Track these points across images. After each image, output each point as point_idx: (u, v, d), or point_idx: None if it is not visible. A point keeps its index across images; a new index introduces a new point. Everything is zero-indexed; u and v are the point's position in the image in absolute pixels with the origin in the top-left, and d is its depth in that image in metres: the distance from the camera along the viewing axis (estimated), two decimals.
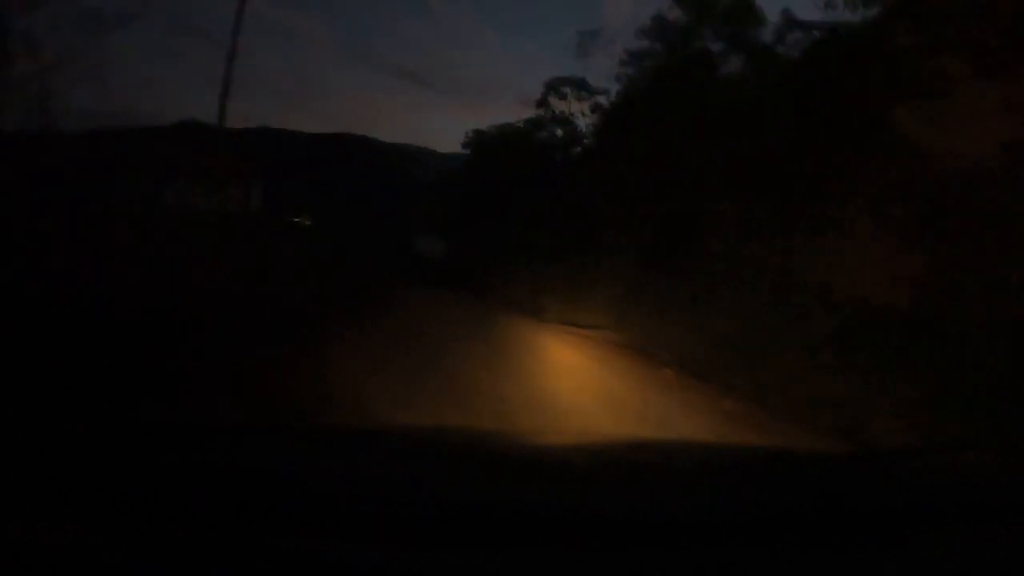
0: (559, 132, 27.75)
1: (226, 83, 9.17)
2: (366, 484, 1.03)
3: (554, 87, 27.80)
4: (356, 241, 32.92)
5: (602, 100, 25.43)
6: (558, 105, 27.48)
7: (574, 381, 7.21)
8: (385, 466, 1.19)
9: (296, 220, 38.56)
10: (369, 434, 1.79)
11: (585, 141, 26.22)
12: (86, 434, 1.17)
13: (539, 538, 0.87)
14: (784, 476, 1.38)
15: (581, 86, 27.11)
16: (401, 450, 1.40)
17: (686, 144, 13.14)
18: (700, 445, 2.75)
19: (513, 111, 30.76)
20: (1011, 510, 1.08)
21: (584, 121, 26.66)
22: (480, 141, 31.46)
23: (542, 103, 28.02)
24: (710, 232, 11.79)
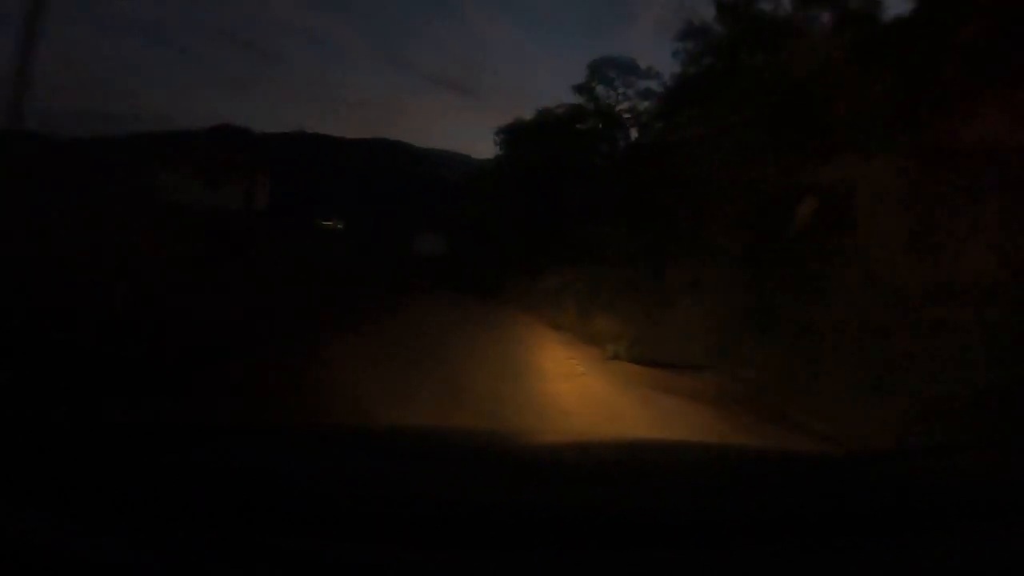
0: (601, 125, 24.31)
1: (18, 85, 8.66)
2: (366, 484, 1.03)
3: (597, 69, 24.36)
4: (379, 243, 32.00)
5: (653, 85, 22.50)
6: (603, 94, 24.17)
7: None
8: (385, 466, 1.19)
9: (328, 223, 38.24)
10: (369, 434, 1.79)
11: (638, 125, 22.76)
12: (86, 434, 1.17)
13: (538, 538, 0.87)
14: (784, 477, 1.38)
15: (628, 69, 24.00)
16: (401, 450, 1.40)
17: (822, 87, 8.74)
18: (700, 446, 2.75)
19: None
20: (1011, 510, 1.08)
21: (638, 104, 23.42)
22: (515, 132, 27.88)
23: (584, 88, 24.54)
24: (873, 215, 7.27)
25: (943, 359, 5.50)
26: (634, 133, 23.84)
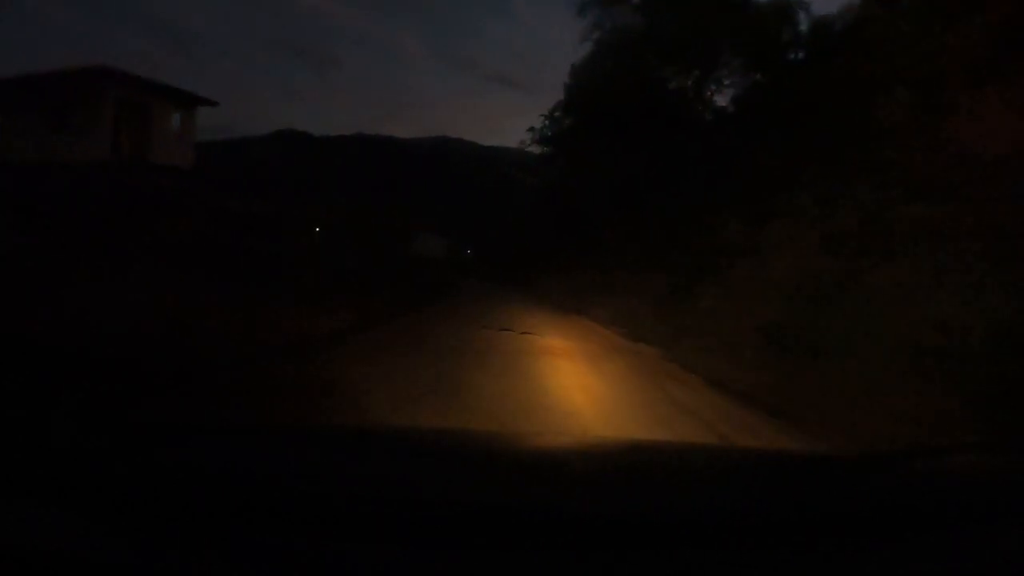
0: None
1: None
2: (366, 484, 1.03)
3: None
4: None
5: None
6: None
7: None
8: (385, 466, 1.19)
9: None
10: (369, 434, 1.79)
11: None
12: (86, 434, 1.18)
13: (539, 539, 0.87)
14: (784, 477, 1.38)
15: None
16: (401, 450, 1.40)
17: None
18: (700, 447, 2.75)
19: None
20: (1011, 510, 1.08)
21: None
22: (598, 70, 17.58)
23: None
24: None
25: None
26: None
